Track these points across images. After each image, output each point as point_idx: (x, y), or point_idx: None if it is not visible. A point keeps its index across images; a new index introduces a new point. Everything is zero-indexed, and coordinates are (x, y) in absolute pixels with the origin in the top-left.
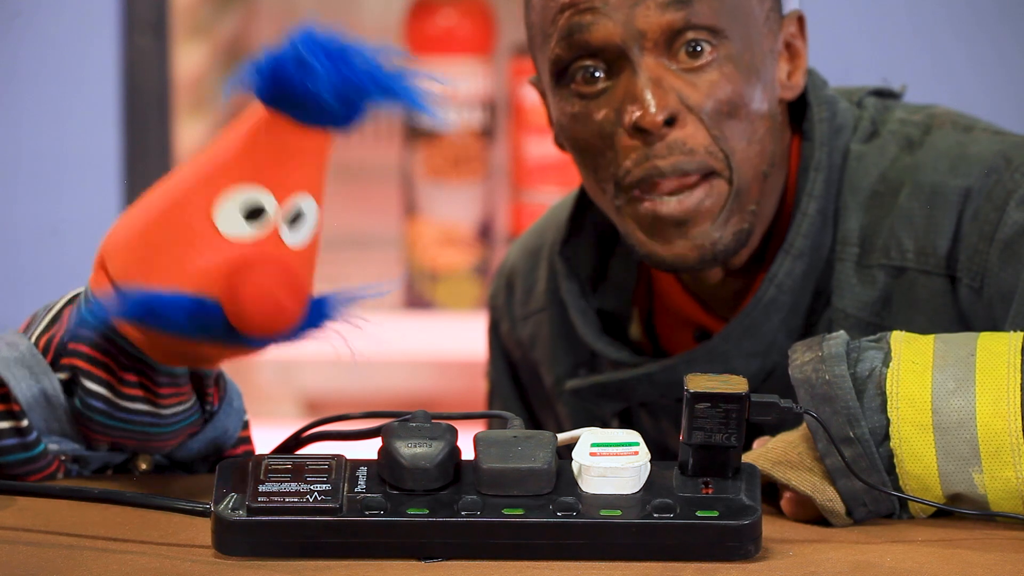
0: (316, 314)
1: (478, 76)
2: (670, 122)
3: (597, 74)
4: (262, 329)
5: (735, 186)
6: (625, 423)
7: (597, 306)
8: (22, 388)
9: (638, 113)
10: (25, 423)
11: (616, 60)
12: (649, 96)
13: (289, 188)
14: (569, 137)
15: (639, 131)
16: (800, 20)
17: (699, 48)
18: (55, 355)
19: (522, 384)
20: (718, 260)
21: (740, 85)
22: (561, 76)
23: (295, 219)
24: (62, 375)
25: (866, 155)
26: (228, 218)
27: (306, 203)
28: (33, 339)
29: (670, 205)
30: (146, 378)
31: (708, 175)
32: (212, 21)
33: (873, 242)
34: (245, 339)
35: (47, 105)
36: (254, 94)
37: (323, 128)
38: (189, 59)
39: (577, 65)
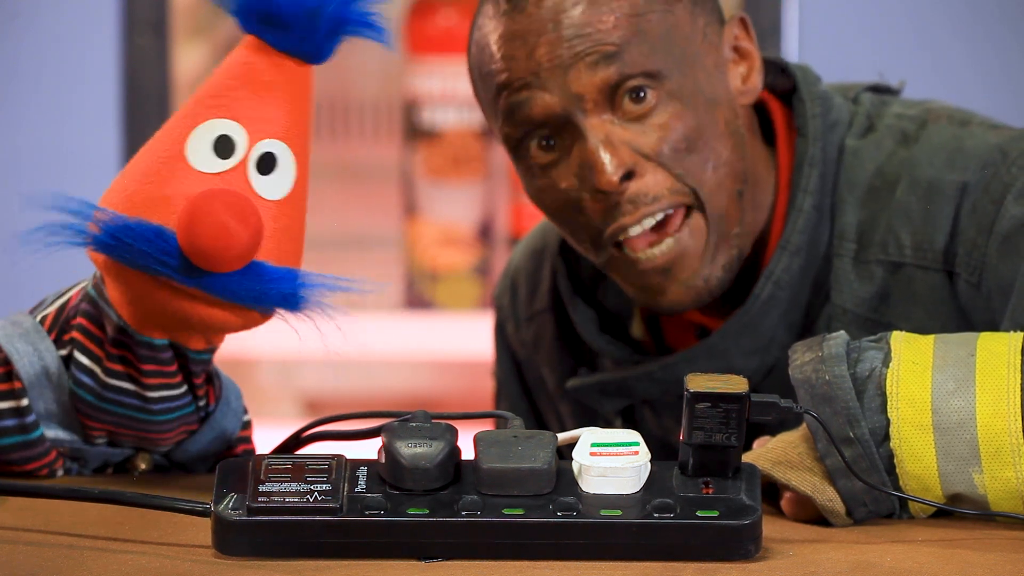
0: (290, 284)
1: None
2: (628, 176)
3: (550, 142)
4: (211, 255)
5: (710, 216)
6: (628, 421)
7: (599, 305)
8: (24, 364)
9: (595, 178)
10: (25, 402)
11: (563, 127)
12: (602, 157)
13: (261, 125)
14: (539, 206)
15: (600, 192)
16: (743, 22)
17: (641, 94)
18: (59, 332)
19: (528, 384)
20: (713, 295)
21: (691, 118)
22: (517, 150)
23: (267, 164)
24: (63, 351)
25: (862, 150)
26: (198, 151)
27: (280, 150)
28: (39, 318)
29: (653, 261)
30: (129, 352)
31: (686, 213)
32: (212, 21)
33: (870, 237)
34: (204, 279)
35: (47, 105)
36: (230, 11)
37: (294, 55)
38: (189, 59)
39: (528, 139)
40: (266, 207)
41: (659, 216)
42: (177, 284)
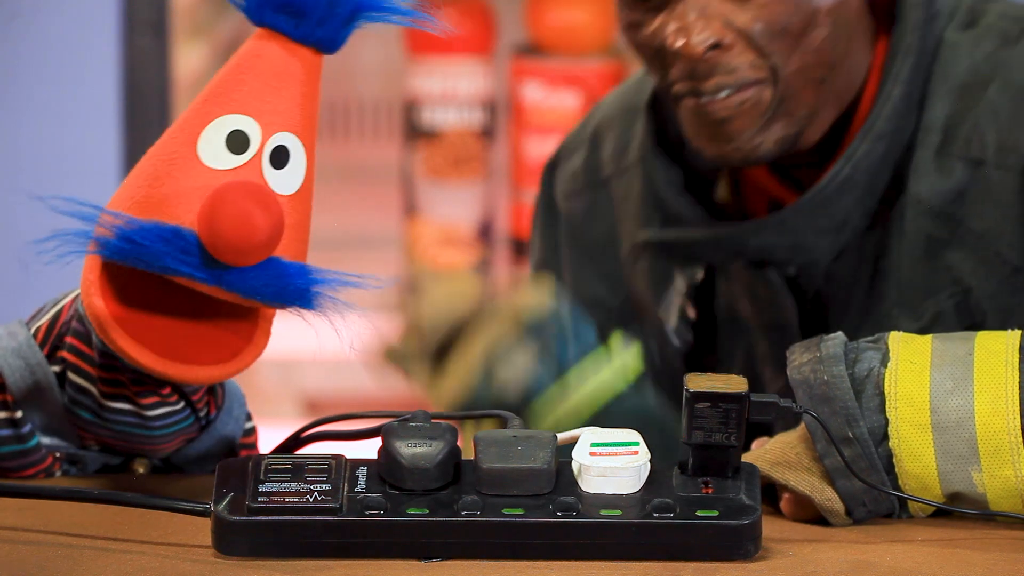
0: (305, 279)
1: (478, 76)
2: (714, 47)
3: None
4: (235, 245)
5: (779, 93)
6: (705, 286)
7: (686, 165)
8: (16, 379)
9: (681, 42)
10: (19, 414)
11: None
12: (693, 24)
13: (274, 118)
14: (627, 40)
15: (680, 55)
16: None
17: None
18: (52, 348)
19: (570, 243)
20: (761, 162)
21: (792, 3)
22: None
23: (279, 157)
24: (56, 368)
25: (960, 44)
26: (211, 148)
27: (292, 143)
28: (32, 330)
29: (714, 104)
30: (120, 374)
31: (751, 85)
32: (212, 21)
33: (955, 133)
34: (224, 275)
35: (47, 105)
36: (241, 3)
37: (308, 43)
38: (189, 59)
39: None
40: (280, 202)
41: (730, 90)
42: (199, 285)
